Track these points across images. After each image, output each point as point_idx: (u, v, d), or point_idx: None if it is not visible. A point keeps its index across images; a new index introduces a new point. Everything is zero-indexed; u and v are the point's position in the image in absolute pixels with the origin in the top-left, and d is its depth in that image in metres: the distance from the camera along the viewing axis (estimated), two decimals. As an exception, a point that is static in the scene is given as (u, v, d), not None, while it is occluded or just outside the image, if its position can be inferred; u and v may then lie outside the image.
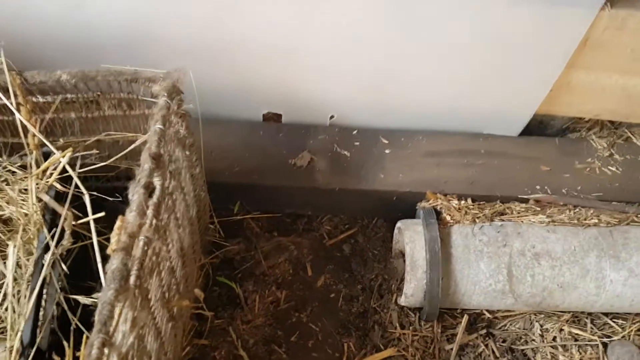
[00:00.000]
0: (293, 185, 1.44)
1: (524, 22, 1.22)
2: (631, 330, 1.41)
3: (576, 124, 1.61)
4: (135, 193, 0.81)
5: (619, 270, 1.31)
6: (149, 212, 0.82)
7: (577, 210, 1.43)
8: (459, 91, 1.44)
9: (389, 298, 1.43)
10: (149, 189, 0.83)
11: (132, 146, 1.03)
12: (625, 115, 1.51)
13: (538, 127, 1.62)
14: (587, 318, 1.43)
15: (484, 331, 1.39)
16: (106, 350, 0.68)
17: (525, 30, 1.24)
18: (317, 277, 1.46)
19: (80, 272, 1.07)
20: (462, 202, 1.41)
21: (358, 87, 1.45)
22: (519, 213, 1.41)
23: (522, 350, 1.38)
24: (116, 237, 0.72)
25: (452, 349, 1.35)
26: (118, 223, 0.73)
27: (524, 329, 1.41)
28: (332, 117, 1.53)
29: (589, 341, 1.39)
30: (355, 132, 1.53)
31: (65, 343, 0.92)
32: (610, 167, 1.52)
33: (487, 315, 1.41)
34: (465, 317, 1.38)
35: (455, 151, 1.51)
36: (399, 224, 1.43)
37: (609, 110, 1.50)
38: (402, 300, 1.36)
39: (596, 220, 1.41)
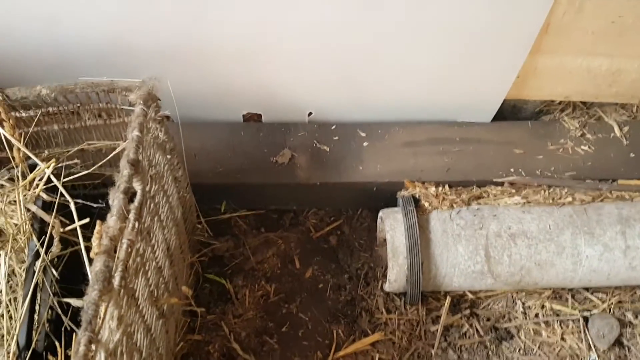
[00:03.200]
0: (276, 182, 1.48)
1: (486, 10, 1.25)
2: (611, 304, 1.46)
3: (549, 107, 1.64)
4: (115, 198, 0.86)
5: (594, 246, 1.36)
6: (131, 215, 0.87)
7: (552, 190, 1.47)
8: (430, 81, 1.47)
9: (375, 285, 1.48)
10: (129, 194, 0.88)
11: (113, 153, 1.07)
12: (593, 95, 1.55)
13: (512, 112, 1.66)
14: (568, 294, 1.47)
15: (468, 311, 1.43)
16: (93, 347, 0.72)
17: (487, 18, 1.27)
18: (305, 269, 1.51)
19: (74, 276, 1.12)
20: (440, 188, 1.45)
21: (334, 84, 1.48)
22: (495, 196, 1.46)
23: (506, 327, 1.42)
24: (97, 241, 0.77)
25: (437, 330, 1.40)
26: (97, 228, 0.78)
27: (506, 307, 1.45)
28: (310, 114, 1.57)
29: (570, 316, 1.44)
30: (333, 127, 1.57)
31: (57, 343, 0.97)
32: (582, 147, 1.55)
33: (470, 296, 1.46)
34: (448, 298, 1.43)
35: (431, 140, 1.55)
36: (380, 213, 1.47)
37: (578, 91, 1.53)
38: (387, 286, 1.41)
39: (570, 199, 1.45)
